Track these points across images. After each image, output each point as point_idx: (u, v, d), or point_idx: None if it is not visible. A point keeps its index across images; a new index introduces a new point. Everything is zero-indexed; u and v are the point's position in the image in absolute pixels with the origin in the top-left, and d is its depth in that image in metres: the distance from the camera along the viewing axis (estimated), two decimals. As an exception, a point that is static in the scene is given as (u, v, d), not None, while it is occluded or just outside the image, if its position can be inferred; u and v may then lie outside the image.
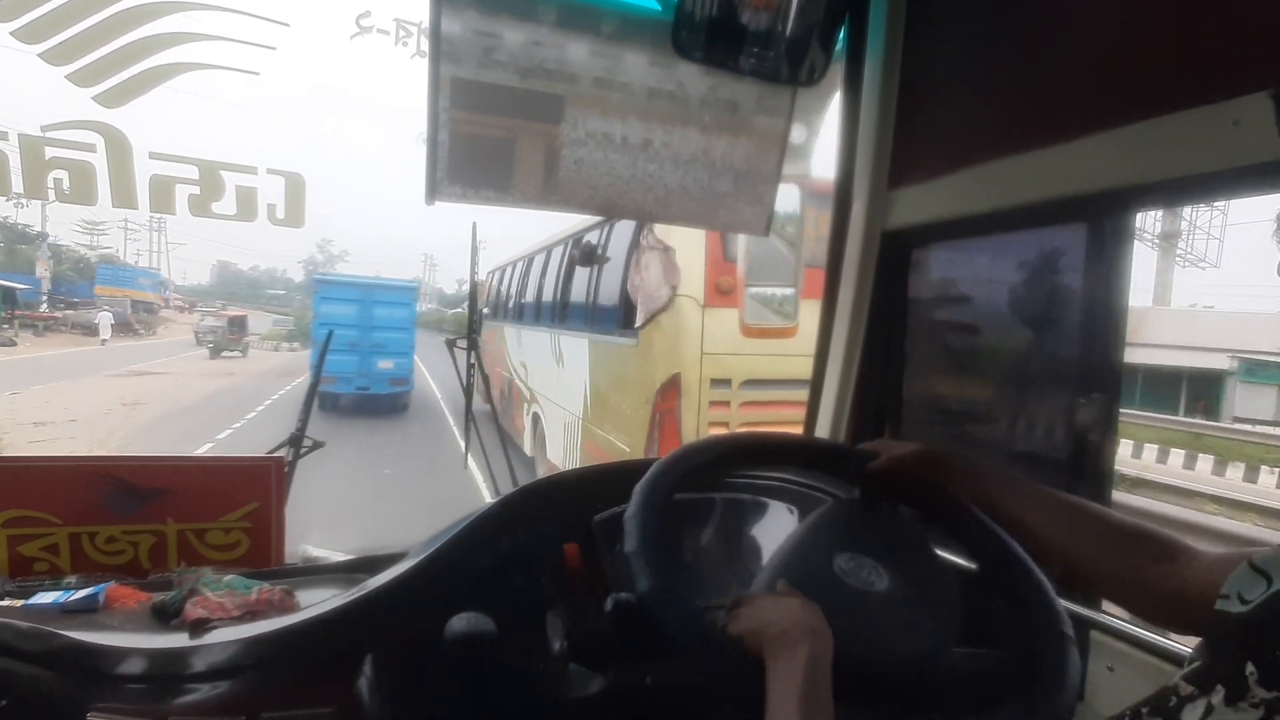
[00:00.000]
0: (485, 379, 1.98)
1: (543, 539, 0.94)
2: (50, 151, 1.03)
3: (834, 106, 1.33)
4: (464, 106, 1.17)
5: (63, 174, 1.04)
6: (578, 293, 5.71)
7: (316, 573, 1.13)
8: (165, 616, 0.91)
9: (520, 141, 1.23)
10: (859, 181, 1.26)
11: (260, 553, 1.20)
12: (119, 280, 32.89)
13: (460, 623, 0.71)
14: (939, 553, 0.82)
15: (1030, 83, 1.02)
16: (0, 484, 1.10)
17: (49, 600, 0.96)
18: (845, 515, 0.80)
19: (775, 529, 1.05)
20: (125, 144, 1.04)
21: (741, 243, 4.03)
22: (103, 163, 1.05)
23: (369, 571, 1.05)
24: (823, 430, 1.34)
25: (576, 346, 5.63)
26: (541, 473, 6.49)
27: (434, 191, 1.18)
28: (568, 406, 5.77)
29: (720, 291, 3.99)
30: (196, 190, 1.10)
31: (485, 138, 1.21)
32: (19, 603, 0.95)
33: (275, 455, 1.26)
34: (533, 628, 0.85)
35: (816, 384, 1.37)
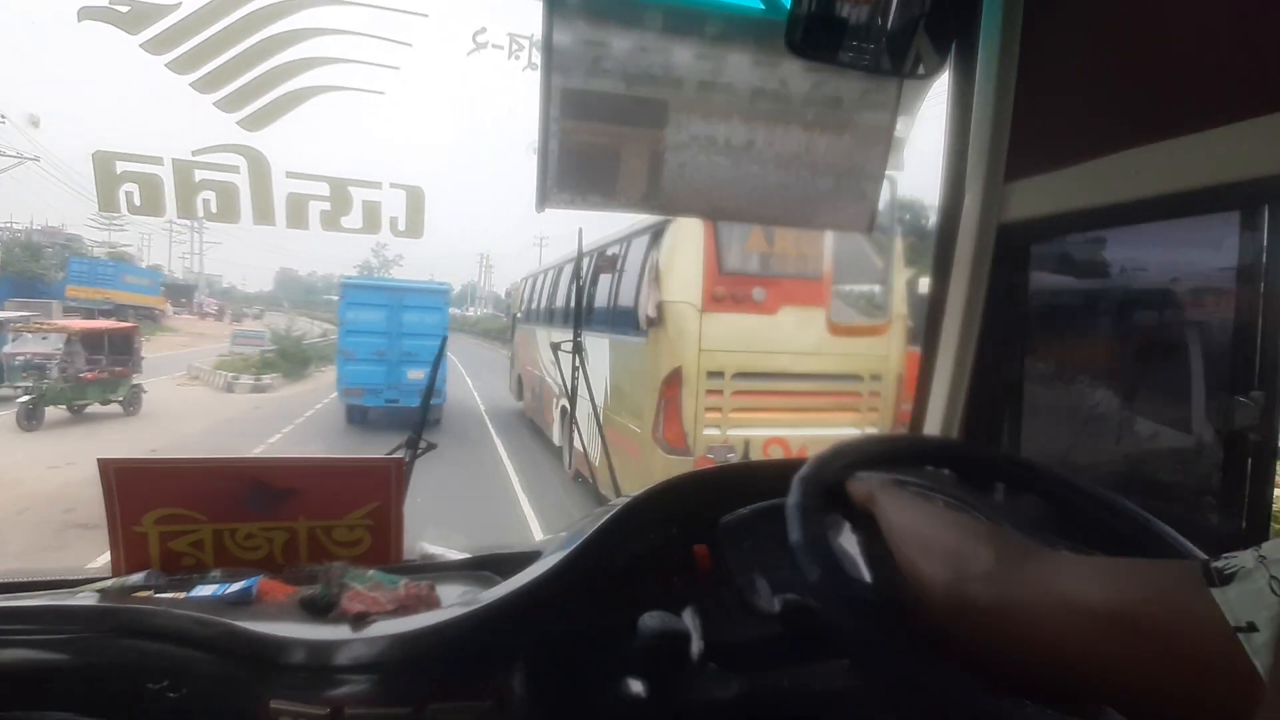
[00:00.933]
0: (589, 383, 2.02)
1: (670, 541, 0.95)
2: (199, 174, 1.11)
3: (940, 97, 1.30)
4: (573, 115, 1.19)
5: (210, 195, 1.11)
6: (600, 299, 6.55)
7: (442, 569, 1.17)
8: (315, 609, 0.96)
9: (625, 147, 1.24)
10: (972, 174, 1.22)
11: (381, 549, 1.26)
12: (98, 278, 24.69)
13: (654, 620, 0.73)
14: None
15: (1168, 66, 0.96)
16: (153, 484, 1.17)
17: (208, 593, 1.02)
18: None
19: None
20: (266, 165, 1.11)
21: (775, 242, 5.04)
22: (245, 183, 1.11)
23: (496, 569, 1.08)
24: (932, 430, 1.31)
25: (598, 345, 6.26)
26: (568, 461, 7.33)
27: (544, 199, 1.21)
28: (591, 398, 6.32)
29: (715, 299, 5.00)
30: (327, 206, 1.16)
31: (592, 145, 1.23)
32: (181, 595, 1.02)
33: (395, 456, 1.31)
34: None
35: (924, 382, 1.33)
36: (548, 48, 1.14)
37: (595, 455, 5.72)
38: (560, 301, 8.78)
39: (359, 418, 11.10)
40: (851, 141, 1.30)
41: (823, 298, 5.17)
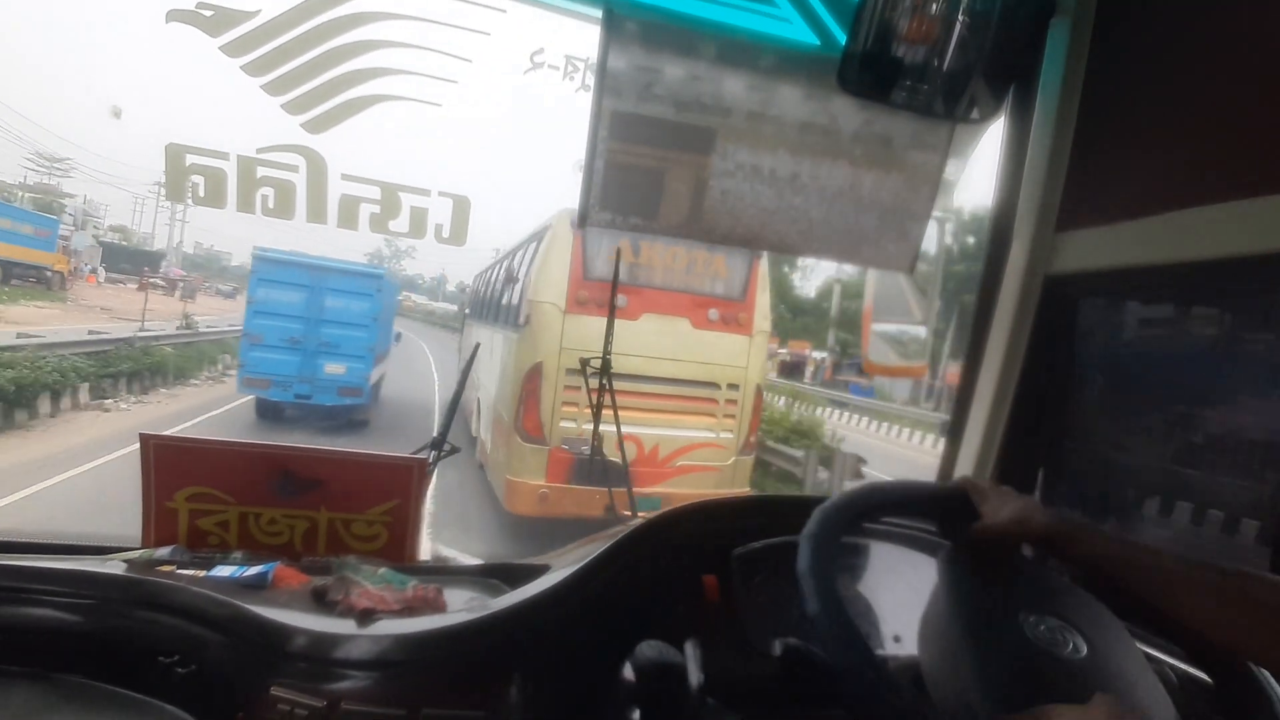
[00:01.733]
0: (615, 404, 2.02)
1: (680, 568, 0.94)
2: (261, 171, 1.16)
3: (992, 144, 1.28)
4: (621, 137, 1.21)
5: (269, 191, 1.16)
6: (507, 296, 7.00)
7: (453, 573, 1.18)
8: (325, 601, 0.98)
9: (670, 172, 1.26)
10: (1021, 222, 1.20)
11: (397, 547, 1.28)
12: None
13: (650, 650, 0.72)
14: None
15: (1229, 126, 0.93)
16: (190, 462, 1.21)
17: (226, 574, 1.05)
18: (1003, 566, 0.74)
19: (908, 577, 1.00)
20: (323, 166, 1.16)
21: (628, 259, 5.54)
22: (303, 182, 1.16)
23: (506, 578, 1.08)
24: (962, 474, 1.26)
25: (498, 339, 6.89)
26: (478, 453, 7.28)
27: (585, 218, 1.23)
28: (490, 389, 6.90)
29: (579, 302, 5.47)
30: (377, 209, 1.20)
31: (638, 167, 1.25)
32: (201, 573, 1.05)
33: (418, 456, 1.33)
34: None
35: (956, 429, 1.30)
36: (601, 71, 1.16)
37: (488, 443, 6.48)
38: (487, 298, 9.10)
39: (271, 415, 9.60)
40: (899, 181, 1.29)
41: (685, 308, 5.68)
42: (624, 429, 5.01)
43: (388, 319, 11.25)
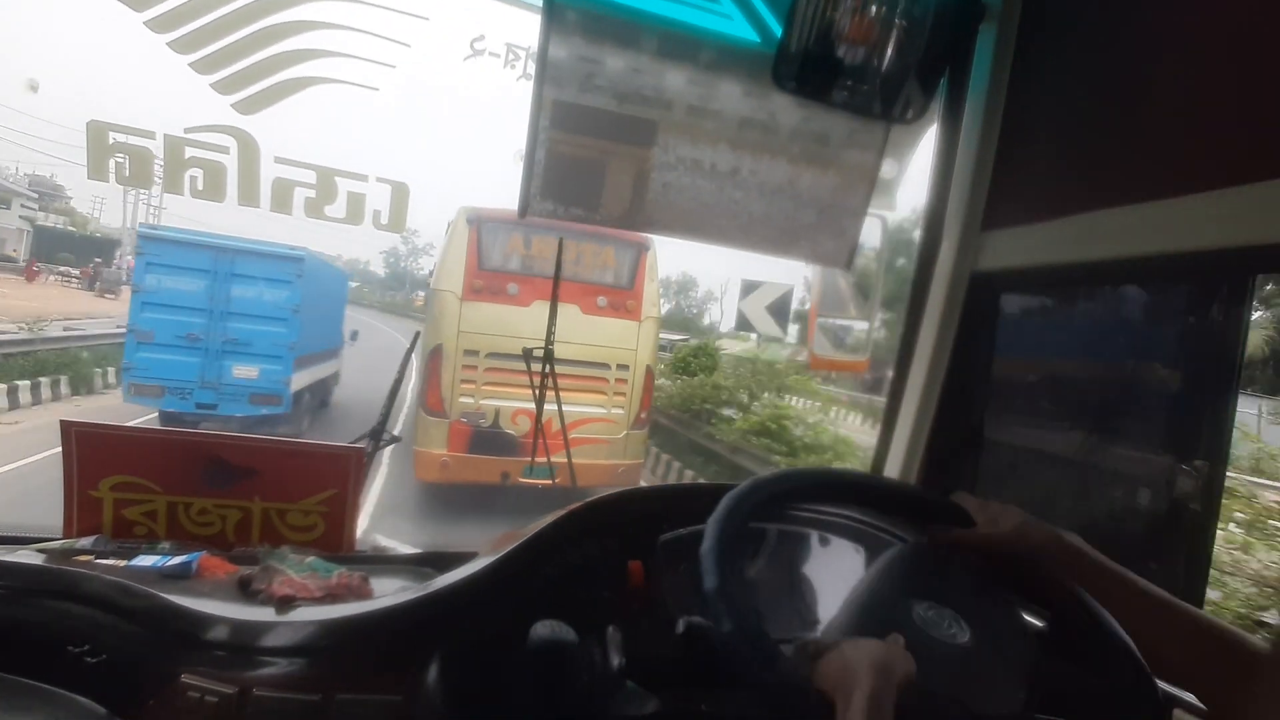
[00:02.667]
0: (558, 392, 2.03)
1: (607, 553, 0.95)
2: (190, 151, 1.13)
3: (927, 142, 1.31)
4: (562, 127, 1.21)
5: (198, 172, 1.13)
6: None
7: (386, 562, 1.17)
8: (250, 590, 0.97)
9: (612, 163, 1.26)
10: (950, 220, 1.24)
11: (334, 537, 1.26)
12: None
13: (544, 629, 0.73)
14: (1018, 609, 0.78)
15: (1145, 131, 0.98)
16: (114, 450, 1.18)
17: (148, 563, 1.03)
18: (920, 560, 0.78)
19: (841, 567, 1.03)
20: (255, 148, 1.13)
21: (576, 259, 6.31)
22: (234, 164, 1.14)
23: (436, 566, 1.08)
24: (892, 470, 1.30)
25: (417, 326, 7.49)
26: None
27: (527, 206, 1.23)
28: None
29: (474, 290, 6.13)
30: (313, 194, 1.18)
31: (579, 158, 1.25)
32: (122, 563, 1.02)
33: (356, 446, 1.32)
34: (592, 641, 0.86)
35: (889, 421, 1.34)
36: (543, 60, 1.16)
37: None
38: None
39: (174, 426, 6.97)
40: (835, 178, 1.32)
41: (574, 296, 6.20)
42: (521, 404, 6.02)
43: (324, 311, 9.56)
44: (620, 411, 6.51)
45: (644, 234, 6.08)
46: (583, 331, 6.27)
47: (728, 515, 0.71)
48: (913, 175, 1.41)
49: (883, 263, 1.59)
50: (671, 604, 0.85)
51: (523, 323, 5.92)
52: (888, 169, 1.33)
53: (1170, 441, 0.95)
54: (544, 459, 5.41)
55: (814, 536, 1.08)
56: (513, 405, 6.13)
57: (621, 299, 6.61)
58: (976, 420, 1.22)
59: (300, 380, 8.43)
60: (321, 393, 9.99)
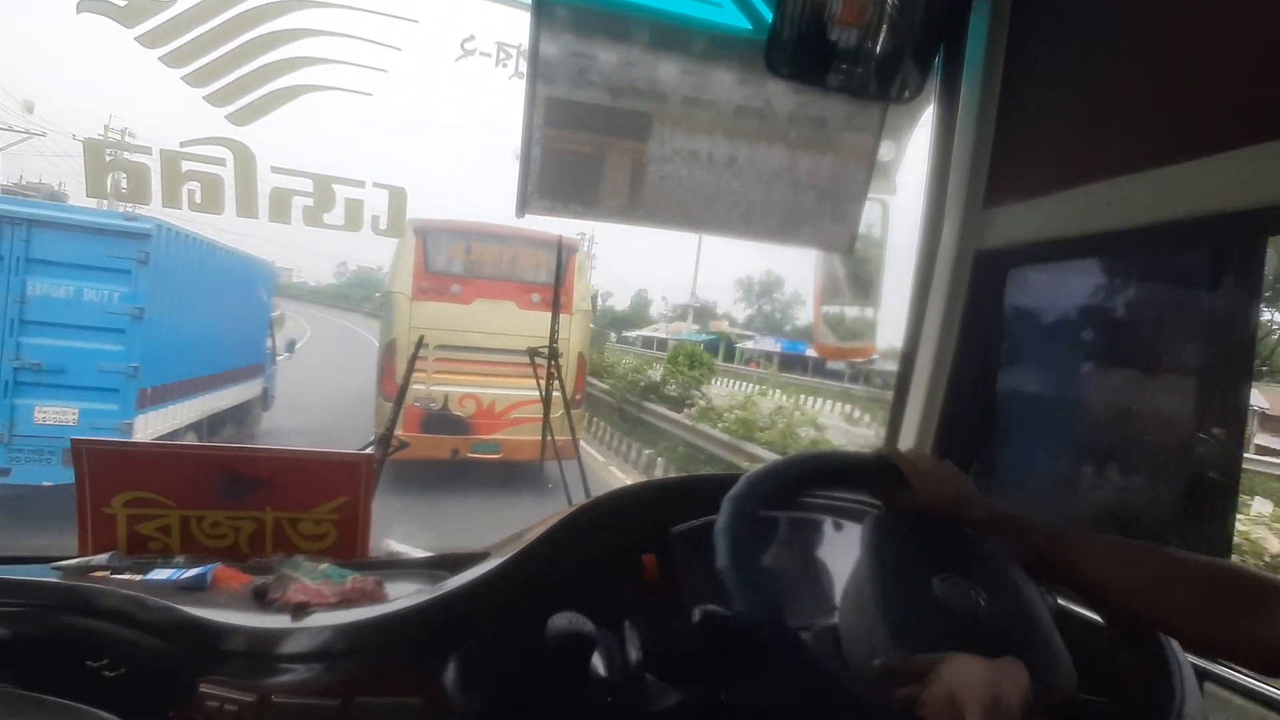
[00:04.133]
0: (565, 392, 2.04)
1: (621, 548, 0.95)
2: (186, 165, 1.13)
3: (925, 123, 1.30)
4: (557, 124, 1.21)
5: (195, 185, 1.14)
6: None
7: (400, 567, 1.17)
8: (265, 599, 0.97)
9: (608, 158, 1.26)
10: (952, 199, 1.23)
11: (347, 544, 1.26)
12: None
13: (561, 621, 0.73)
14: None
15: (1145, 98, 0.96)
16: (126, 466, 1.19)
17: (164, 577, 1.03)
18: (921, 530, 0.77)
19: (846, 548, 1.02)
20: (251, 158, 1.13)
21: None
22: (230, 176, 1.14)
23: (450, 569, 1.08)
24: (905, 448, 1.29)
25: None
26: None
27: (524, 205, 1.23)
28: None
29: (422, 291, 6.84)
30: (310, 202, 1.18)
31: (575, 154, 1.24)
32: (138, 577, 1.03)
33: (366, 453, 1.32)
34: (609, 636, 0.86)
35: (899, 402, 1.33)
36: (534, 57, 1.16)
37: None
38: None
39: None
40: (834, 162, 1.31)
41: (510, 294, 7.11)
42: (466, 389, 6.90)
43: (220, 315, 7.08)
44: (556, 394, 7.11)
45: (572, 237, 7.63)
46: (520, 324, 6.97)
47: (742, 496, 0.70)
48: (912, 156, 1.40)
49: (885, 246, 1.58)
50: (687, 595, 0.85)
51: (465, 318, 6.92)
52: (886, 150, 1.32)
53: (1186, 411, 0.93)
54: (489, 435, 6.92)
55: (823, 521, 1.08)
56: (460, 390, 7.01)
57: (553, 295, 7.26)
58: (988, 399, 1.21)
59: (171, 419, 5.89)
60: (235, 423, 7.85)
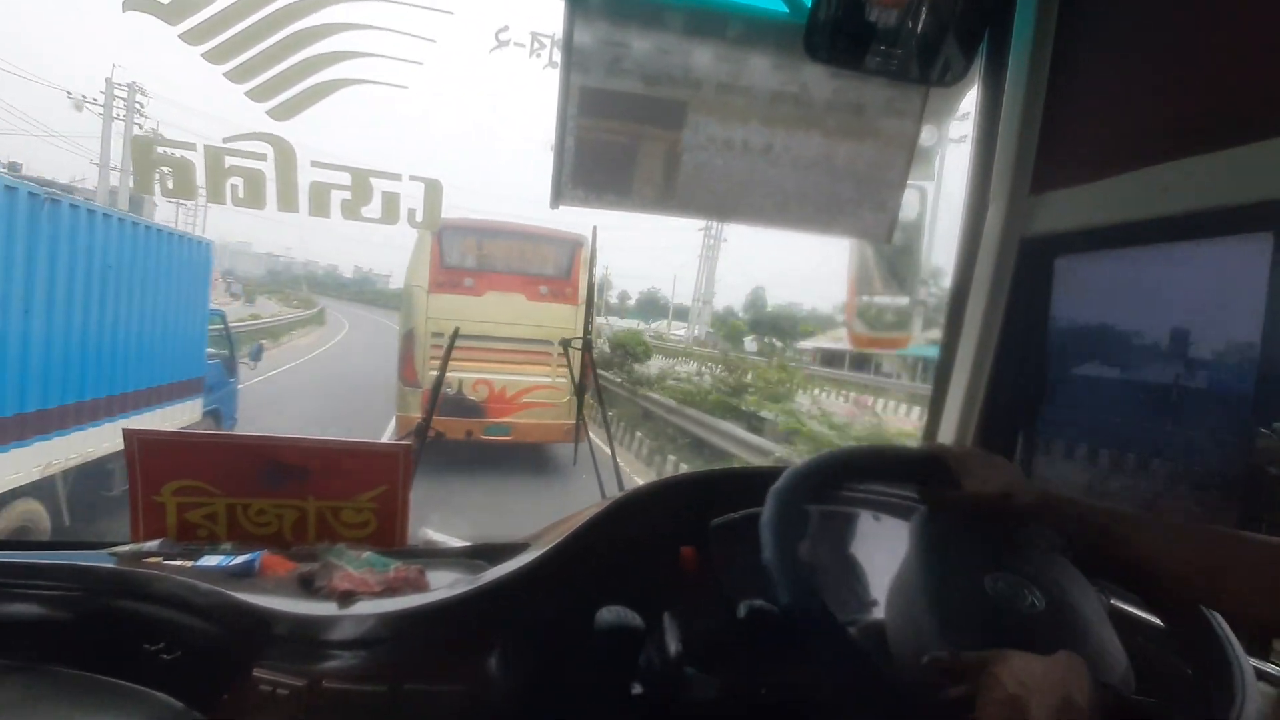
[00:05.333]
0: (598, 384, 2.05)
1: (659, 540, 0.95)
2: (229, 160, 1.15)
3: (969, 106, 1.26)
4: (591, 114, 1.20)
5: (238, 180, 1.16)
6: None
7: (439, 555, 1.19)
8: (311, 586, 1.00)
9: (642, 147, 1.24)
10: (997, 185, 1.19)
11: (386, 533, 1.28)
12: None
13: (609, 615, 0.73)
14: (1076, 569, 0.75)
15: (1198, 81, 0.92)
16: (175, 456, 1.22)
17: (213, 563, 1.06)
18: (970, 527, 0.75)
19: (888, 543, 1.00)
20: (291, 153, 1.15)
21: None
22: (271, 170, 1.16)
23: (488, 558, 1.09)
24: (945, 440, 1.27)
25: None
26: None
27: (559, 195, 1.22)
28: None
29: (438, 284, 7.42)
30: (348, 195, 1.19)
31: (609, 144, 1.23)
32: (189, 563, 1.06)
33: (404, 443, 1.34)
34: (649, 627, 0.86)
35: (940, 392, 1.30)
36: (568, 47, 1.15)
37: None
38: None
39: None
40: (873, 149, 1.28)
41: (519, 286, 7.65)
42: (479, 375, 7.34)
43: (128, 309, 5.20)
44: (563, 380, 7.21)
45: (580, 234, 7.88)
46: (529, 315, 7.55)
47: (787, 489, 0.70)
48: (955, 141, 1.36)
49: (927, 234, 1.55)
50: (726, 588, 0.85)
51: (478, 309, 7.38)
52: (928, 136, 1.29)
53: (1243, 405, 0.89)
54: (501, 419, 7.35)
55: (863, 515, 1.06)
56: (473, 376, 7.39)
57: (560, 287, 7.88)
58: (1032, 392, 1.18)
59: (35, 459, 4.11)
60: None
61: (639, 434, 10.61)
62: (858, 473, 0.84)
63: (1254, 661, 0.80)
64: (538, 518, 1.19)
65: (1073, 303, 1.14)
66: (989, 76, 1.20)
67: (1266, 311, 0.88)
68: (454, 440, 7.08)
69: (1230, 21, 0.88)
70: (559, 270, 7.97)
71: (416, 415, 6.83)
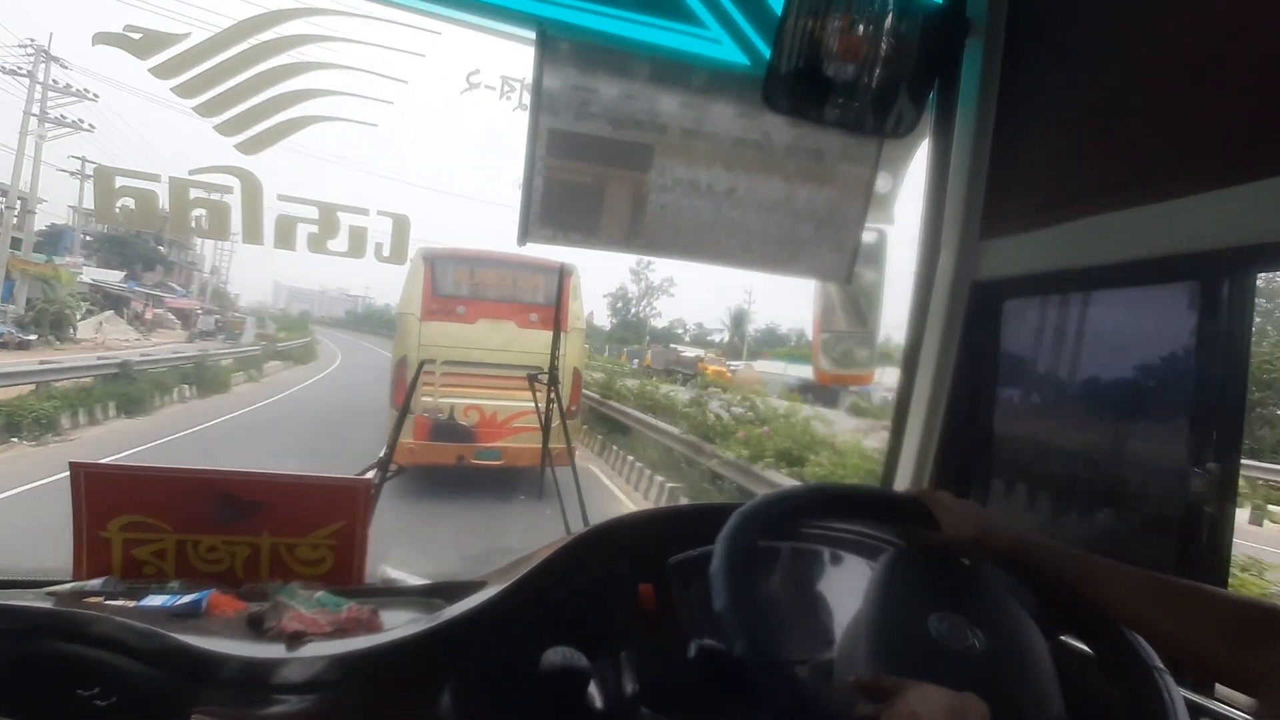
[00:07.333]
0: (561, 406, 2.04)
1: (617, 577, 0.94)
2: (194, 192, 1.15)
3: (921, 155, 1.32)
4: (559, 155, 1.23)
5: (202, 212, 1.15)
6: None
7: (396, 594, 1.16)
8: (260, 627, 0.96)
9: (609, 188, 1.28)
10: (948, 231, 1.24)
11: (343, 570, 1.25)
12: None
13: (555, 656, 0.72)
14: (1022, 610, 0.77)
15: (1139, 134, 0.99)
16: (124, 490, 1.18)
17: (158, 603, 1.02)
18: (926, 569, 0.77)
19: (852, 583, 1.01)
20: (258, 186, 1.15)
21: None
22: (237, 203, 1.16)
23: (446, 597, 1.07)
24: (903, 482, 1.29)
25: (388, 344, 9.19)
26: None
27: (526, 233, 1.24)
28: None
29: (430, 312, 7.56)
30: (315, 229, 1.20)
31: (576, 184, 1.26)
32: (131, 603, 1.02)
33: (364, 478, 1.32)
34: (605, 666, 0.85)
35: (897, 433, 1.33)
36: (537, 90, 1.18)
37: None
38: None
39: None
40: (831, 193, 1.33)
41: (510, 314, 7.82)
42: (470, 401, 7.50)
43: None
44: (553, 405, 7.73)
45: (566, 263, 7.81)
46: (519, 341, 7.70)
47: (736, 533, 0.70)
48: (909, 187, 1.42)
49: (883, 275, 1.60)
50: (684, 626, 0.85)
51: (469, 336, 7.62)
52: (883, 182, 1.34)
53: (1181, 442, 0.93)
54: (492, 443, 7.47)
55: (825, 553, 1.07)
56: (464, 402, 7.58)
57: (549, 315, 7.91)
58: (985, 428, 1.22)
59: None
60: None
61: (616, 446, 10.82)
62: (835, 512, 0.85)
63: (1197, 697, 0.83)
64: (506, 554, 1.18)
65: (1021, 344, 1.18)
66: (939, 128, 1.26)
67: (1196, 357, 0.92)
68: (444, 465, 7.33)
69: (1167, 81, 0.95)
70: (549, 298, 8.21)
71: (409, 440, 7.13)
